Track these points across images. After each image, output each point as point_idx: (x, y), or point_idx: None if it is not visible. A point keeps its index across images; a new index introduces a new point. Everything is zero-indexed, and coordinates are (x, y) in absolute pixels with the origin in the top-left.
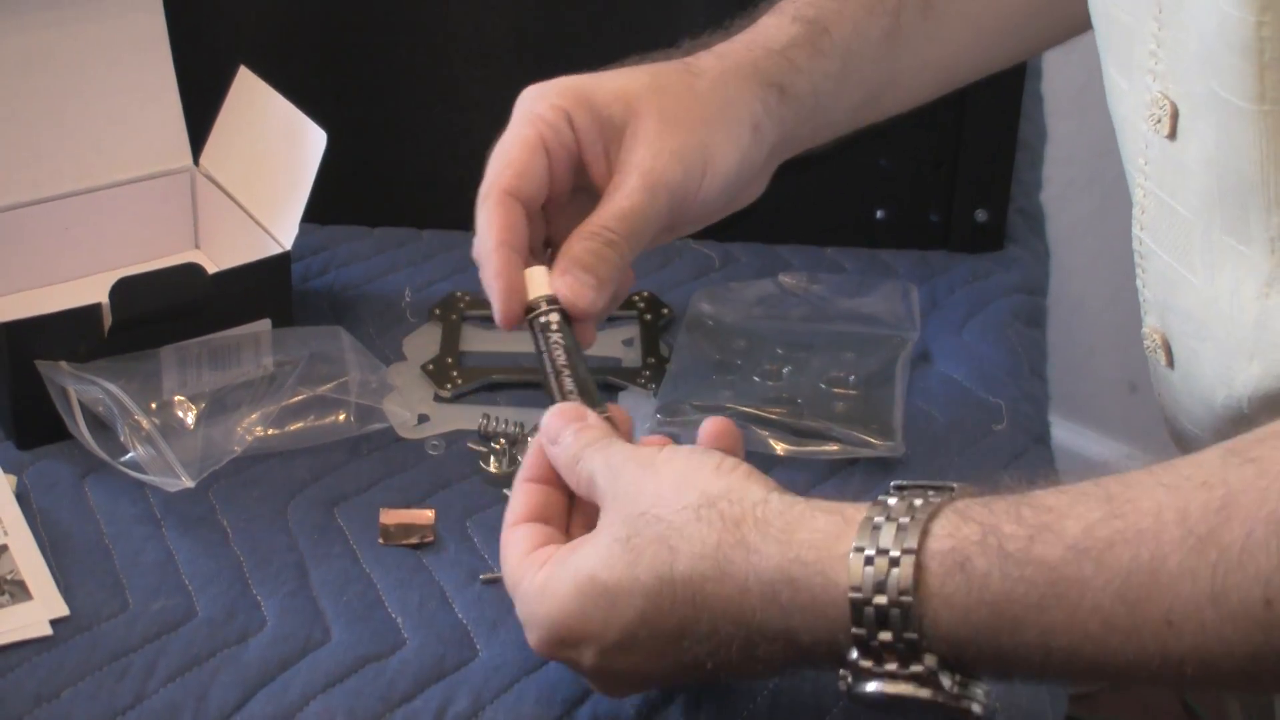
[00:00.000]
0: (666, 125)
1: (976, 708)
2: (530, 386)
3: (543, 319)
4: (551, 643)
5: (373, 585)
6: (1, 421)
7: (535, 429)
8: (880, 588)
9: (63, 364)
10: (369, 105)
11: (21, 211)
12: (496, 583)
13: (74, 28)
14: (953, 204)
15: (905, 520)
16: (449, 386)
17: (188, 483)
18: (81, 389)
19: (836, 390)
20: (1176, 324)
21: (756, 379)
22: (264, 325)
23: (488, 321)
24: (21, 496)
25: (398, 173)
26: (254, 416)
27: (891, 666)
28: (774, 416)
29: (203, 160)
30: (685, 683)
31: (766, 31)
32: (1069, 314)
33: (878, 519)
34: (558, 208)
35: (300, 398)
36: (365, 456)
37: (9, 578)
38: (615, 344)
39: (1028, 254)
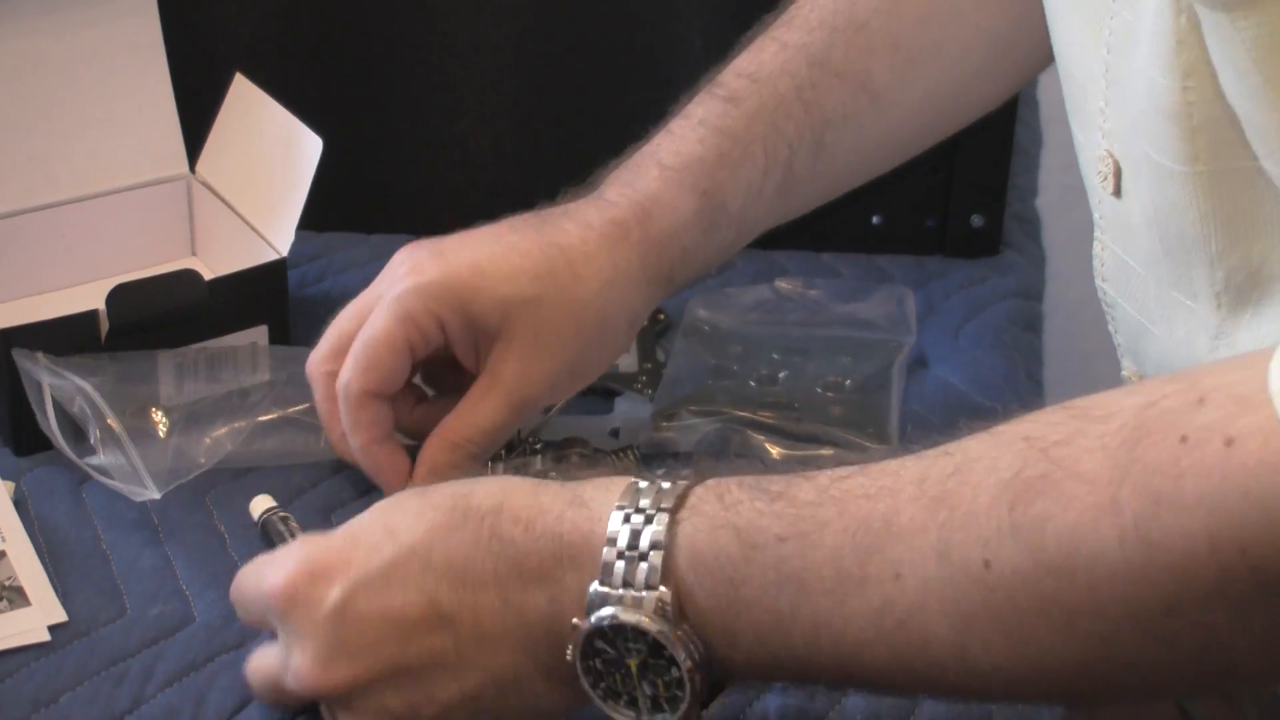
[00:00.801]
0: (540, 344)
1: (681, 653)
2: None
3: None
4: (297, 573)
5: None
6: None
7: (527, 437)
8: (639, 508)
9: (40, 356)
10: (365, 112)
11: (17, 219)
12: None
13: (70, 34)
14: (949, 209)
15: (667, 485)
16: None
17: (154, 493)
18: (56, 384)
19: (832, 395)
20: (1150, 370)
21: (753, 384)
22: (261, 332)
23: None
24: (19, 503)
25: (394, 180)
26: (224, 431)
27: (628, 593)
28: (770, 421)
29: (199, 167)
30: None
31: (660, 205)
32: (1063, 321)
33: (642, 484)
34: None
35: (272, 417)
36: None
37: (7, 584)
38: None
39: (1024, 259)
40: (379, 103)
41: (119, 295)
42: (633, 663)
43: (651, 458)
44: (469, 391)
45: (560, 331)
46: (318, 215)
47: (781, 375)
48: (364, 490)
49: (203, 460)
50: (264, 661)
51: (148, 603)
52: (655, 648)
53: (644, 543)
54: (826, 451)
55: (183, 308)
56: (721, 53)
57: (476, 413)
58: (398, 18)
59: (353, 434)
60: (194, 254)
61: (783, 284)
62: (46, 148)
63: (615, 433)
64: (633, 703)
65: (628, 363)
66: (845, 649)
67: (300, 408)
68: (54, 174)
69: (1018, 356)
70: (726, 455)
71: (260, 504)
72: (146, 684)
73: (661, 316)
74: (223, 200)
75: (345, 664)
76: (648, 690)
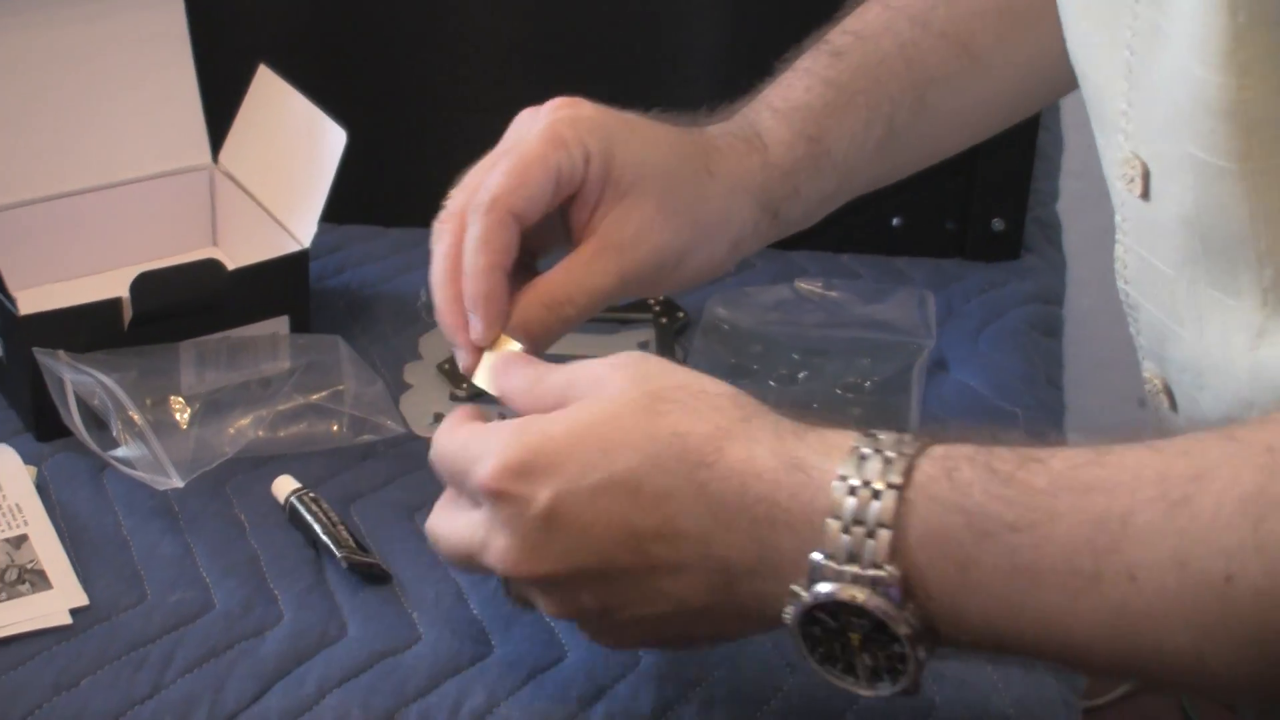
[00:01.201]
0: (663, 218)
1: (905, 630)
2: None
3: None
4: (508, 469)
5: (388, 581)
6: (22, 413)
7: None
8: (865, 481)
9: (60, 353)
10: (385, 106)
11: (41, 205)
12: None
13: (95, 25)
14: (969, 212)
15: (892, 455)
16: (465, 386)
17: (177, 482)
18: (78, 380)
19: (852, 396)
20: (1174, 373)
21: (772, 384)
22: (282, 323)
23: None
24: (41, 487)
25: (414, 173)
26: (246, 420)
27: (852, 569)
28: None
29: (221, 157)
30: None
31: (776, 141)
32: (1077, 327)
33: (865, 450)
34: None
35: (294, 404)
36: (381, 454)
37: (29, 567)
38: (631, 347)
39: (1044, 263)
40: (399, 95)
41: (142, 284)
42: (855, 636)
43: None
44: (574, 252)
45: (683, 212)
46: (337, 208)
47: (801, 375)
48: (384, 481)
49: (226, 449)
50: (457, 526)
51: (168, 589)
52: (879, 624)
53: (871, 519)
54: None
55: (205, 297)
56: (739, 48)
57: (584, 273)
58: (419, 11)
59: (477, 253)
60: (215, 244)
61: (803, 284)
62: (71, 135)
63: None
64: (850, 669)
65: None
66: (1075, 644)
67: (322, 394)
68: (78, 161)
69: (1038, 360)
70: None
71: (285, 485)
72: (166, 670)
73: (680, 315)
74: (245, 190)
75: (547, 561)
76: (868, 661)
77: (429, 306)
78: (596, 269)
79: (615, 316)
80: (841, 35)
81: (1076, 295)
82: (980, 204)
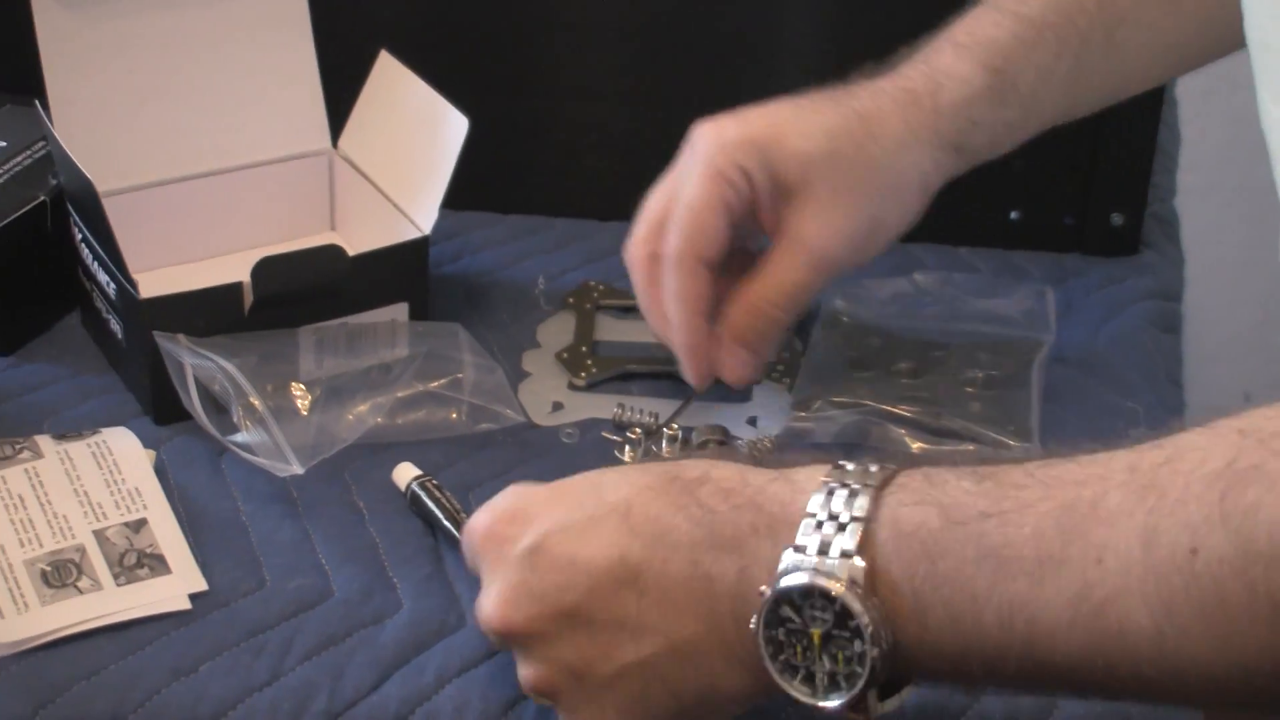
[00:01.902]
0: (839, 200)
1: (865, 621)
2: (665, 377)
3: None
4: (500, 517)
5: None
6: (140, 397)
7: (666, 423)
8: (844, 483)
9: (180, 337)
10: (505, 93)
11: (162, 189)
12: None
13: (217, 8)
14: (1088, 207)
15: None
16: (583, 375)
17: (297, 469)
18: (198, 364)
19: (971, 390)
20: None
21: (891, 377)
22: (401, 309)
23: (621, 311)
24: (160, 471)
25: (532, 160)
26: (365, 407)
27: (822, 561)
28: (910, 414)
29: (341, 143)
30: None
31: (951, 78)
32: (1196, 322)
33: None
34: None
35: (413, 391)
36: (499, 443)
37: (149, 551)
38: None
39: (1162, 259)
40: (519, 82)
41: (264, 268)
42: (816, 632)
43: (788, 448)
44: (767, 254)
45: (856, 188)
46: (454, 193)
47: (920, 369)
48: (502, 469)
49: (345, 436)
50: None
51: (287, 575)
52: (841, 617)
53: (844, 514)
54: (969, 447)
55: (326, 283)
56: (855, 25)
57: (778, 272)
58: (540, 1)
59: (677, 306)
60: (333, 229)
61: (921, 277)
62: (192, 120)
63: (753, 421)
64: (809, 679)
65: None
66: (1039, 633)
67: (441, 381)
68: (198, 146)
69: (1158, 358)
70: (864, 447)
71: (406, 472)
72: (285, 657)
73: None
74: (365, 176)
75: (527, 603)
76: (827, 665)
77: (547, 294)
78: (786, 266)
79: None
80: None
81: (1189, 290)
82: (1099, 198)
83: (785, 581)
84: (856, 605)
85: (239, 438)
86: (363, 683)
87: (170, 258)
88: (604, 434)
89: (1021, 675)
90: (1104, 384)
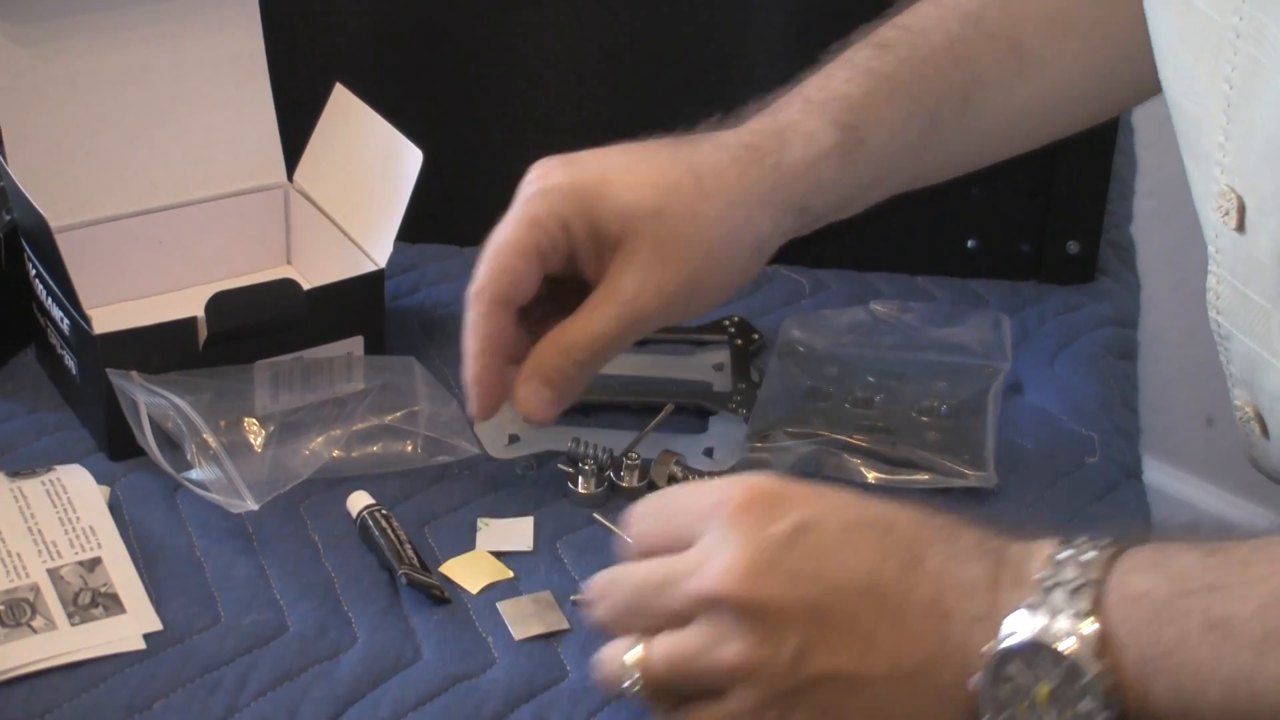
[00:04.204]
0: (659, 258)
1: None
2: (620, 409)
3: None
4: (764, 495)
5: (463, 604)
6: (95, 433)
7: (625, 453)
8: (1075, 544)
9: (134, 374)
10: (461, 126)
11: (117, 223)
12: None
13: (172, 43)
14: (1044, 235)
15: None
16: None
17: (252, 505)
18: (151, 401)
19: (927, 419)
20: (1266, 402)
21: (848, 406)
22: (356, 343)
23: None
24: (114, 508)
25: (488, 192)
26: (320, 441)
27: (1053, 623)
28: (866, 445)
29: (296, 176)
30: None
31: (799, 134)
32: (1143, 347)
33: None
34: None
35: (368, 425)
36: (456, 476)
37: (103, 590)
38: (706, 369)
39: (1119, 286)
40: (474, 114)
41: (218, 303)
42: (1043, 688)
43: None
44: (586, 301)
45: (680, 246)
46: (411, 227)
47: (877, 399)
48: (459, 502)
49: (300, 471)
50: (651, 565)
51: (242, 611)
52: (1069, 676)
53: (1077, 577)
54: (923, 477)
55: (281, 317)
56: (807, 62)
57: (589, 321)
58: (496, 31)
59: (469, 340)
60: (289, 262)
61: (878, 306)
62: (148, 154)
63: (709, 452)
64: None
65: (722, 383)
66: (1263, 709)
67: (396, 415)
68: (153, 180)
69: (1114, 384)
70: (820, 478)
71: (359, 500)
72: (240, 692)
73: (756, 336)
74: (320, 209)
75: (773, 580)
76: None
77: None
78: (599, 318)
79: (690, 338)
80: (890, 29)
81: (1146, 315)
82: (1055, 226)
83: (1013, 640)
84: (1093, 665)
85: (193, 474)
86: (319, 718)
87: (125, 293)
88: (559, 466)
89: None
90: (1060, 411)
